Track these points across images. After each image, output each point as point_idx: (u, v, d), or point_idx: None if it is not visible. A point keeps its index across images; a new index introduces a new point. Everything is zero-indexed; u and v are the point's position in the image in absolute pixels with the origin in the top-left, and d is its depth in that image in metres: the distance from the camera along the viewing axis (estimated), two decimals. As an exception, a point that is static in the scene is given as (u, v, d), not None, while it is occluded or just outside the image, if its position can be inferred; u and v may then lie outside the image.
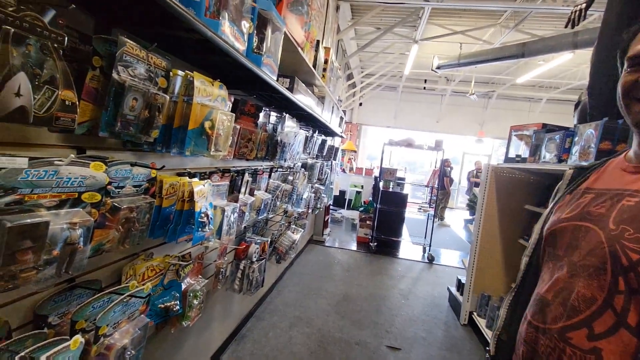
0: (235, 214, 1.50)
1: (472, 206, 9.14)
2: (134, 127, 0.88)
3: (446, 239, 6.96)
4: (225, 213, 1.39)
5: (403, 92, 11.71)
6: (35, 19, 0.62)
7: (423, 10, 5.42)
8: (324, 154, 4.28)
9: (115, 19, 0.92)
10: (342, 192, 9.46)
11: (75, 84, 0.72)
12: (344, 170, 10.12)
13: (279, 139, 2.05)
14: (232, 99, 1.55)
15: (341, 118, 4.36)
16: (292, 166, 2.67)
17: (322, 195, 4.41)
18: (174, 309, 1.23)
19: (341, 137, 4.84)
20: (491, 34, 6.81)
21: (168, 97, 0.98)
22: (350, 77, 9.83)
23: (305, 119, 2.84)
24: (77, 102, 0.72)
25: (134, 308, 0.97)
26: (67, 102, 0.69)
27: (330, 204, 6.62)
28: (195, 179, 1.18)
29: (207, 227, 1.18)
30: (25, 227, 0.60)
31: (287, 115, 2.08)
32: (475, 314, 3.07)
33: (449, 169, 8.77)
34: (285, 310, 3.00)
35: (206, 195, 1.18)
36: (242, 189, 1.71)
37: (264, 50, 1.38)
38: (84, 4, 0.83)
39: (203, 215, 1.14)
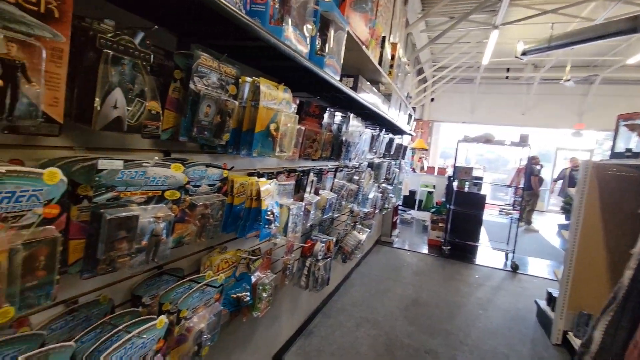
0: (301, 213, 1.54)
1: (567, 209, 7.95)
2: (208, 132, 0.97)
3: (534, 246, 6.18)
4: (291, 211, 1.44)
5: (481, 84, 10.75)
6: (129, 42, 0.72)
7: (504, -9, 4.90)
8: (392, 153, 4.16)
9: (193, 35, 1.03)
10: (412, 193, 9.08)
11: (161, 95, 0.83)
12: (414, 170, 9.71)
13: (343, 138, 2.06)
14: (297, 101, 1.60)
15: (410, 115, 4.19)
16: (357, 166, 2.65)
17: (390, 195, 4.30)
18: (245, 300, 1.32)
19: (410, 135, 4.65)
20: (591, 9, 5.83)
21: (237, 103, 1.06)
22: (420, 72, 9.39)
23: (371, 117, 2.80)
24: (162, 112, 0.82)
25: (209, 296, 1.06)
26: (152, 112, 0.79)
27: (399, 205, 6.42)
28: (263, 179, 1.25)
29: (273, 225, 1.24)
30: (122, 219, 0.71)
31: (352, 114, 2.07)
32: (571, 334, 2.66)
33: (537, 167, 7.76)
34: (352, 310, 3.00)
35: (272, 194, 1.24)
36: (308, 189, 1.76)
37: (327, 51, 1.39)
38: (167, 25, 0.95)
39: (269, 213, 1.20)
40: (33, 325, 0.72)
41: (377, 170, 3.48)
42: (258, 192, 1.16)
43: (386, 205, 4.14)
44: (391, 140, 4.00)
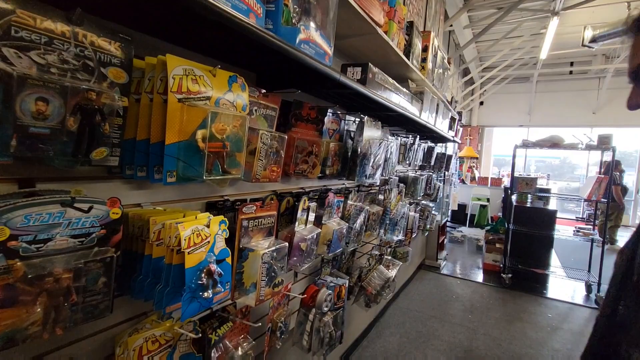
0: (282, 256, 1.07)
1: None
2: (57, 145, 0.55)
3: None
4: (263, 258, 0.98)
5: (539, 82, 9.53)
6: None
7: (565, -33, 4.11)
8: (432, 164, 3.54)
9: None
10: (462, 207, 8.13)
11: None
12: (463, 181, 8.74)
13: (357, 149, 1.56)
14: (279, 102, 1.17)
15: (453, 119, 3.56)
16: (380, 183, 2.13)
17: (433, 212, 3.65)
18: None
19: (454, 142, 3.98)
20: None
21: (125, 98, 0.64)
22: (466, 72, 8.54)
23: (398, 122, 2.27)
24: None
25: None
26: None
27: (446, 222, 5.65)
28: (197, 216, 0.81)
29: (216, 288, 0.78)
30: None
31: (367, 117, 1.58)
32: None
33: (617, 174, 6.46)
34: (385, 361, 2.41)
35: (212, 240, 0.79)
36: (301, 217, 1.29)
37: (305, 22, 0.94)
38: None
39: (204, 272, 0.75)
40: None
41: (413, 186, 2.90)
42: (179, 241, 0.72)
43: (428, 226, 3.50)
44: (430, 150, 3.40)
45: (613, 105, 8.81)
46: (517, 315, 3.26)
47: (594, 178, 3.72)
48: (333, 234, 1.44)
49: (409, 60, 2.04)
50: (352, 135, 1.61)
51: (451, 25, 5.60)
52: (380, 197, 2.06)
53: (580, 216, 10.09)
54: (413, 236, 2.91)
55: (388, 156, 1.99)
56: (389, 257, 2.21)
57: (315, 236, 1.32)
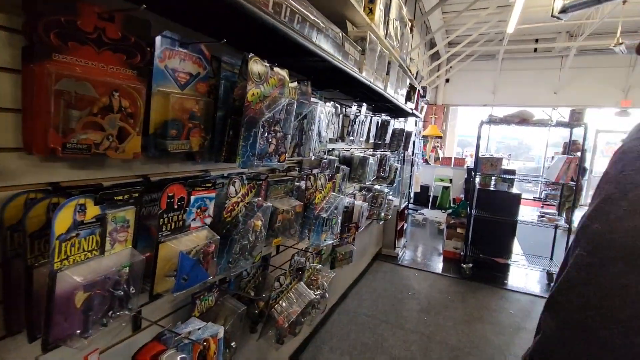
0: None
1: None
2: None
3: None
4: None
5: (504, 60, 9.26)
6: None
7: None
8: (388, 142, 2.99)
9: None
10: (425, 188, 7.84)
11: None
12: (427, 161, 8.43)
13: (240, 109, 0.92)
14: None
15: (412, 88, 2.98)
16: (284, 166, 1.53)
17: (389, 198, 3.13)
18: None
19: (414, 116, 3.44)
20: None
21: None
22: (432, 45, 8.04)
23: (332, 82, 1.65)
24: None
25: None
26: None
27: (406, 206, 5.24)
28: None
29: None
30: None
31: (254, 56, 0.93)
32: None
33: (577, 154, 6.36)
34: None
35: None
36: (69, 240, 0.64)
37: None
38: None
39: None
40: None
41: (361, 169, 2.33)
42: None
43: (382, 214, 2.98)
44: (385, 124, 2.83)
45: (574, 85, 8.76)
46: (477, 315, 2.88)
47: (562, 159, 3.37)
48: (181, 259, 0.81)
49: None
50: (233, 83, 0.96)
51: (416, -15, 4.98)
52: (302, 185, 1.46)
53: (538, 196, 10.27)
54: (359, 230, 2.37)
55: (309, 127, 1.37)
56: (318, 266, 1.63)
57: (116, 273, 0.69)
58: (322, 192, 1.48)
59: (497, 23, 7.38)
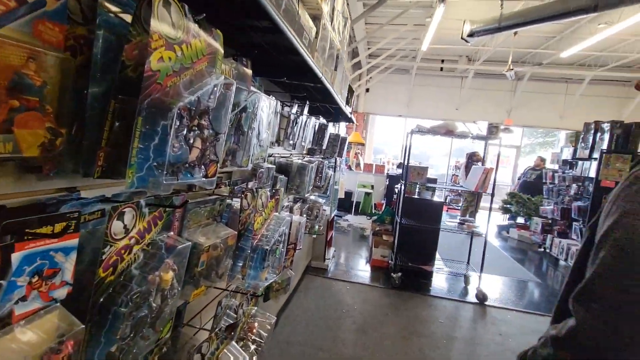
0: None
1: (508, 209, 7.57)
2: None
3: (489, 258, 5.34)
4: None
5: (417, 75, 10.05)
6: None
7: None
8: (324, 148, 2.73)
9: None
10: (349, 194, 7.90)
11: None
12: (350, 168, 8.55)
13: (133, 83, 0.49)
14: None
15: (351, 90, 2.79)
16: (207, 182, 1.13)
17: (323, 208, 2.85)
18: None
19: (351, 122, 3.27)
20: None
21: None
22: (355, 54, 8.22)
23: (273, 63, 1.28)
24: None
25: None
26: None
27: (334, 215, 5.08)
28: None
29: None
30: None
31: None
32: None
33: (479, 164, 7.17)
34: None
35: None
36: None
37: None
38: None
39: None
40: None
41: (299, 178, 1.99)
42: None
43: (317, 227, 2.71)
44: (322, 128, 2.56)
45: (471, 103, 9.98)
46: (412, 328, 2.80)
47: (480, 169, 3.59)
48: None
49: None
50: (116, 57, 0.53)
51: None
52: (236, 204, 1.05)
53: (442, 200, 11.45)
54: (298, 249, 2.03)
55: (248, 124, 0.98)
56: (253, 310, 1.24)
57: None
58: (263, 214, 1.09)
59: (412, 40, 7.94)
